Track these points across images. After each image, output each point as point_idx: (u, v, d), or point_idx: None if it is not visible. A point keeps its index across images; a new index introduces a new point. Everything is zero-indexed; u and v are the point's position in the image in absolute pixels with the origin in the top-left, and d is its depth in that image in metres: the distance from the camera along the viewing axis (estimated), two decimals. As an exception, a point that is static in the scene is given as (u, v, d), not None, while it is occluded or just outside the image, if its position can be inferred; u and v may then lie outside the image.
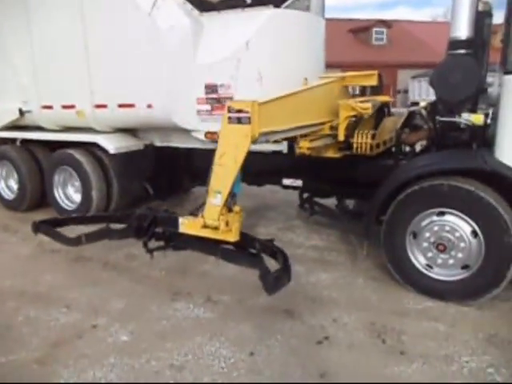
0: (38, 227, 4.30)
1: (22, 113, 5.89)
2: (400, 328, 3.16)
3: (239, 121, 3.02)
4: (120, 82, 5.00)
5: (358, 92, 5.21)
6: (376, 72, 4.57)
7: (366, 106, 4.02)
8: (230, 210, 3.29)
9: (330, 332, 3.14)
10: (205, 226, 3.31)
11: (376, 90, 4.85)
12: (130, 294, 3.75)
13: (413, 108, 4.49)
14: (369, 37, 29.42)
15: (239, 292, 3.73)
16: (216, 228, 3.25)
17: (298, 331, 3.16)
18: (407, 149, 4.40)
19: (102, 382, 2.69)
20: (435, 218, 3.47)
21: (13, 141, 6.34)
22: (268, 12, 4.27)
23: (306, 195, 5.24)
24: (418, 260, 3.61)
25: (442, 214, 3.44)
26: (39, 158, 6.16)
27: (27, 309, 3.53)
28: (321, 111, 4.16)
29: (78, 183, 5.60)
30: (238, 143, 3.06)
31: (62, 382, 2.69)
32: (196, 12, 4.50)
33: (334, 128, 4.22)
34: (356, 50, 28.02)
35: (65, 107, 5.53)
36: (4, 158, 6.33)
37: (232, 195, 3.27)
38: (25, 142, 6.24)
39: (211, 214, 3.26)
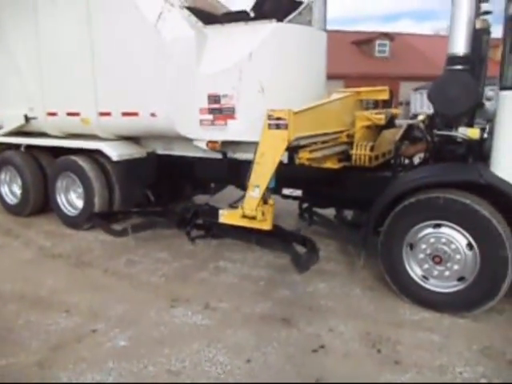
0: (91, 218, 5.18)
1: (27, 119, 5.99)
2: (395, 338, 3.19)
3: (277, 127, 3.58)
4: (124, 90, 5.10)
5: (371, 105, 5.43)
6: (387, 88, 4.94)
7: (380, 117, 4.37)
8: (265, 202, 3.86)
9: (325, 341, 3.18)
10: (243, 216, 3.88)
11: (387, 104, 5.10)
12: (130, 300, 3.80)
13: (411, 121, 4.59)
14: (372, 49, 29.63)
15: (237, 300, 3.78)
16: (253, 218, 3.83)
17: (294, 339, 3.20)
18: (406, 161, 4.48)
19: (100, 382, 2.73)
20: (431, 229, 3.52)
21: (17, 146, 6.41)
22: (271, 26, 4.36)
23: (305, 205, 5.30)
24: (415, 271, 3.65)
25: (438, 226, 3.49)
26: (43, 163, 6.25)
27: (28, 312, 3.58)
28: (340, 121, 4.55)
29: (80, 189, 5.67)
30: (276, 145, 3.63)
31: (60, 382, 2.74)
32: (200, 24, 4.59)
33: (351, 136, 4.51)
34: (359, 61, 28.21)
35: (70, 114, 5.62)
36: (8, 164, 6.42)
37: (267, 189, 3.82)
38: (29, 147, 6.32)
39: (250, 205, 3.82)
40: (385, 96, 4.97)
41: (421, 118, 4.32)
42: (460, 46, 3.69)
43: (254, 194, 3.78)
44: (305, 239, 4.04)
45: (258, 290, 3.97)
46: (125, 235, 4.89)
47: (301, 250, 4.03)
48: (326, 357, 3.00)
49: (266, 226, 3.87)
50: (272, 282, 4.15)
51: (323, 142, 4.41)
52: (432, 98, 3.79)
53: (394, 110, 5.10)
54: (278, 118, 3.56)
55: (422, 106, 22.48)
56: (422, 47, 30.05)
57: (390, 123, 4.79)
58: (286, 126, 3.54)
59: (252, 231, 3.96)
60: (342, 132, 4.57)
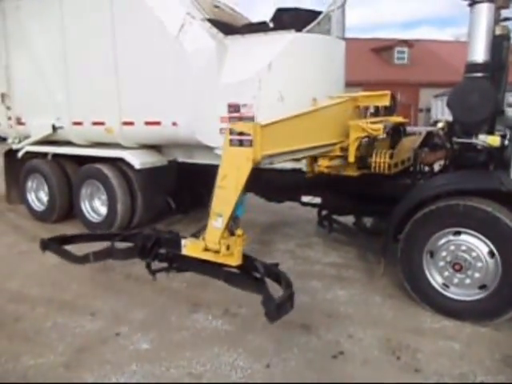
0: (46, 245, 4.26)
1: (54, 128, 6.20)
2: (415, 346, 3.18)
3: (241, 143, 2.96)
4: (147, 100, 5.25)
5: (371, 112, 5.02)
6: (388, 92, 4.37)
7: (377, 127, 3.94)
8: (232, 234, 3.23)
9: (345, 347, 3.19)
10: (206, 249, 3.28)
11: (389, 111, 4.72)
12: (152, 305, 3.88)
13: (430, 128, 4.55)
14: (391, 56, 29.56)
15: (257, 305, 3.76)
16: (217, 251, 3.21)
17: (313, 345, 3.22)
18: (426, 168, 4.46)
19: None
20: (452, 237, 3.50)
21: (43, 155, 6.64)
22: (290, 36, 4.45)
23: (324, 212, 5.32)
24: (435, 279, 3.63)
25: (458, 233, 3.47)
26: (68, 171, 6.44)
27: (55, 315, 3.70)
28: (331, 132, 4.02)
29: (104, 196, 5.83)
30: (239, 166, 3.00)
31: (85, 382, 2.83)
32: (221, 35, 4.71)
33: (345, 149, 4.14)
34: (378, 69, 28.12)
35: (95, 124, 5.81)
36: (36, 171, 6.64)
37: (234, 218, 3.21)
38: (55, 156, 6.54)
39: (212, 237, 3.21)
40: (385, 102, 4.35)
41: (440, 125, 4.30)
42: (479, 53, 3.70)
43: (217, 224, 3.16)
44: (279, 276, 3.32)
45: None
46: (86, 262, 4.15)
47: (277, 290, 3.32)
48: (345, 363, 3.02)
49: (233, 261, 3.24)
50: (291, 288, 4.17)
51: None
52: (451, 106, 3.80)
53: (397, 118, 4.72)
54: (241, 133, 2.95)
55: (442, 113, 22.23)
56: (442, 53, 29.77)
57: (398, 132, 4.63)
58: (250, 143, 2.91)
59: (222, 265, 3.35)
60: (334, 145, 4.10)
